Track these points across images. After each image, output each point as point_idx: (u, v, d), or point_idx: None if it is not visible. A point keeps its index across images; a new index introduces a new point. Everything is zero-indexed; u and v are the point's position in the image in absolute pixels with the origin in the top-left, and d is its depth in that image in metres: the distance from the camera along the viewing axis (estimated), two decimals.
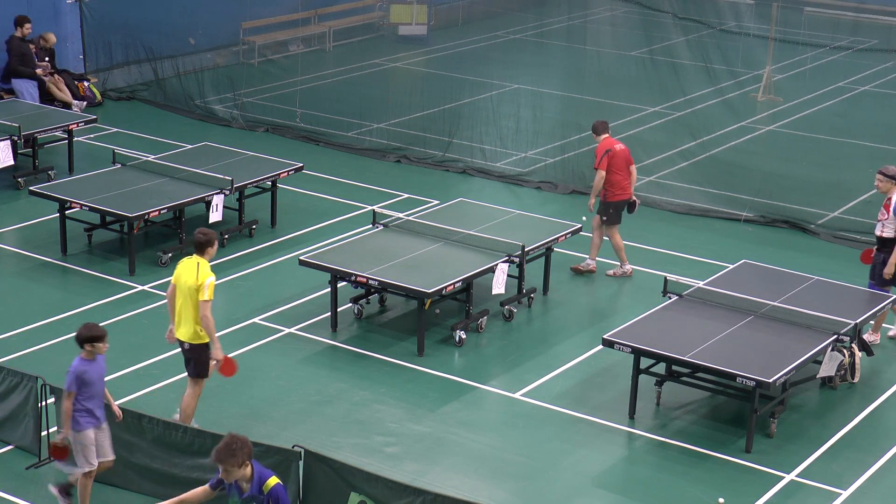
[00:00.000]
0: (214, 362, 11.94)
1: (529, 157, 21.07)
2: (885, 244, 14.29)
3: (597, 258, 16.51)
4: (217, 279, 15.87)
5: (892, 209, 14.19)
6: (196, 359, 11.94)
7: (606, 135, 16.28)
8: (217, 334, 14.41)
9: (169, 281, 15.77)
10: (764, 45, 23.69)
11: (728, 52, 22.61)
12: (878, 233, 14.38)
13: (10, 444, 12.00)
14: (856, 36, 25.45)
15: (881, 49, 24.71)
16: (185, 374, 13.57)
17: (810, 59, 24.72)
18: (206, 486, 9.52)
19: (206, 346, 11.90)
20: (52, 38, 22.27)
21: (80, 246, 16.79)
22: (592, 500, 11.73)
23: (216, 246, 12.10)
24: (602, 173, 16.01)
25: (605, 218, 16.17)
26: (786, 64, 25.08)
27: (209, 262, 11.91)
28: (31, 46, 21.78)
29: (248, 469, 9.11)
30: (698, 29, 22.25)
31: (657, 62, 22.46)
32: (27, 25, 21.34)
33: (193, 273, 11.78)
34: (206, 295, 11.65)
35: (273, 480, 9.21)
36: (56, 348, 14.04)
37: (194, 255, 11.96)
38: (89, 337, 10.73)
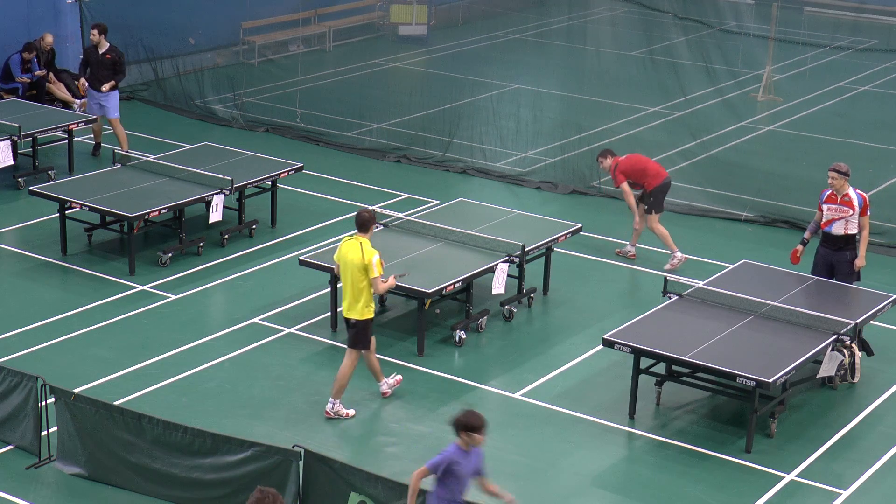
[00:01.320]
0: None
1: (529, 157, 21.06)
2: (849, 241, 14.35)
3: (636, 244, 17.10)
4: (217, 279, 16.01)
5: (856, 204, 14.23)
6: (358, 332, 12.57)
7: (612, 158, 16.95)
8: (219, 334, 14.50)
9: (169, 281, 15.87)
10: (764, 45, 23.69)
11: (728, 52, 22.61)
12: (842, 231, 14.33)
13: (10, 444, 11.99)
14: (856, 36, 25.46)
15: (881, 49, 24.72)
16: (185, 374, 13.60)
17: (810, 59, 24.73)
18: None
19: (370, 322, 12.55)
20: (50, 38, 22.23)
21: (80, 246, 16.79)
22: (592, 500, 11.74)
23: (375, 225, 12.76)
24: (624, 185, 16.63)
25: (646, 207, 16.60)
26: (786, 64, 25.08)
27: (370, 239, 12.50)
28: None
29: None
30: (698, 29, 22.25)
31: (657, 62, 22.46)
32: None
33: (358, 252, 12.38)
34: (376, 272, 12.37)
35: None
36: (56, 348, 14.04)
37: (355, 235, 12.56)
38: (465, 425, 9.52)
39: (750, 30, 23.72)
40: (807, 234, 14.72)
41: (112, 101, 19.83)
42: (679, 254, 16.64)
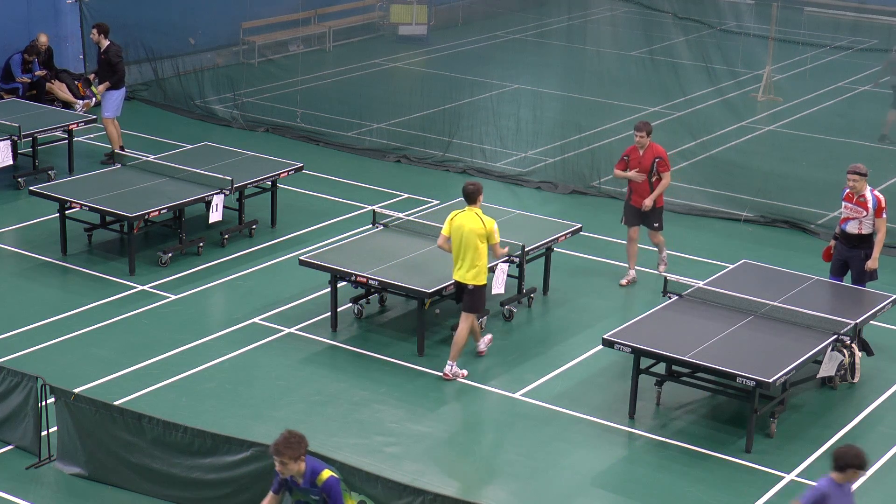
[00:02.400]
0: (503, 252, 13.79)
1: (529, 157, 21.06)
2: (864, 240, 14.38)
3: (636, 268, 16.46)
4: (217, 279, 16.02)
5: (870, 206, 14.27)
6: (475, 297, 13.44)
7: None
8: (218, 334, 14.49)
9: (169, 281, 15.87)
10: (764, 44, 23.67)
11: (728, 52, 22.59)
12: (856, 231, 14.38)
13: (10, 444, 11.99)
14: (856, 36, 25.43)
15: (881, 49, 24.68)
16: (185, 373, 13.60)
17: (810, 59, 24.70)
18: (270, 493, 9.78)
19: (484, 287, 13.43)
20: (44, 38, 22.18)
21: (80, 246, 16.78)
22: (592, 500, 11.73)
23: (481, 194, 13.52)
24: (670, 175, 15.95)
25: (657, 224, 16.06)
26: (786, 64, 25.07)
27: (481, 208, 13.42)
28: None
29: (303, 464, 9.46)
30: (698, 29, 22.23)
31: (657, 62, 22.45)
32: None
33: (477, 221, 13.26)
34: (497, 237, 13.40)
35: (326, 473, 9.53)
36: (56, 348, 14.04)
37: (466, 208, 13.40)
38: (853, 463, 9.26)
39: (750, 30, 23.70)
40: (837, 231, 14.73)
41: (106, 100, 19.82)
42: (633, 272, 16.18)
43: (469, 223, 13.27)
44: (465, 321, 13.53)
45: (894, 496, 11.92)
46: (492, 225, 13.30)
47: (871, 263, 14.35)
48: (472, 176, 20.32)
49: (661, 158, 15.66)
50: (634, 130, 15.75)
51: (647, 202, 15.71)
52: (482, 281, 13.38)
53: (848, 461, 9.24)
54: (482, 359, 14.22)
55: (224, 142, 19.80)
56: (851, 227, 14.40)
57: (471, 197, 13.38)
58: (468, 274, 13.36)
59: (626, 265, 16.38)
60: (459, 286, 13.60)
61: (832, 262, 14.71)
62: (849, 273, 14.64)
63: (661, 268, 16.30)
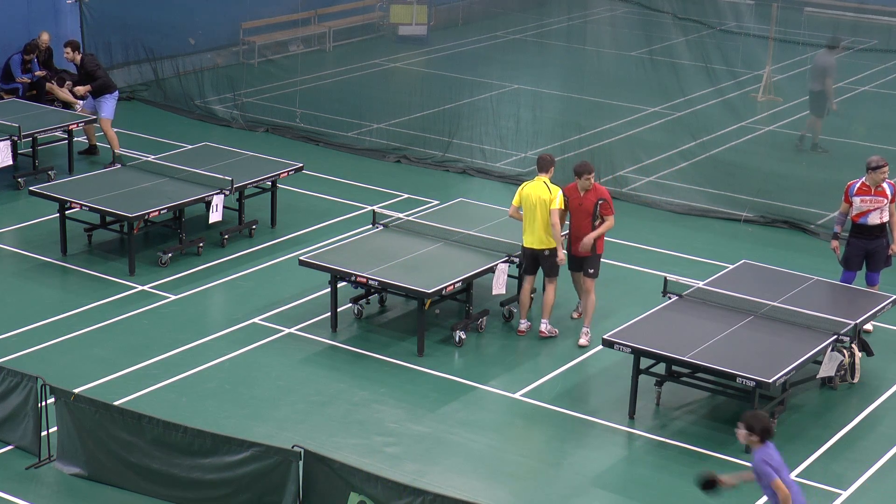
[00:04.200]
0: (562, 257, 14.36)
1: (529, 157, 21.04)
2: (884, 229, 14.51)
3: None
4: (217, 279, 16.01)
5: (889, 193, 14.37)
6: (551, 260, 14.33)
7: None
8: (218, 334, 14.50)
9: (168, 281, 15.86)
10: (764, 45, 23.65)
11: (728, 52, 22.57)
12: (878, 221, 14.42)
13: (9, 445, 11.99)
14: (856, 36, 25.40)
15: (881, 49, 24.67)
16: (185, 374, 13.62)
17: (810, 59, 24.69)
18: None
19: (556, 250, 14.25)
20: (46, 36, 22.20)
21: (79, 246, 16.78)
22: (592, 501, 11.73)
23: (553, 166, 14.37)
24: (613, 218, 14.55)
25: (591, 271, 14.58)
26: (786, 64, 25.05)
27: (550, 178, 14.27)
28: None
29: None
30: (698, 29, 22.21)
31: (657, 62, 22.43)
32: None
33: (545, 190, 14.16)
34: (558, 204, 14.10)
35: None
36: (56, 348, 14.04)
37: (536, 177, 14.34)
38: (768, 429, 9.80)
39: (750, 30, 23.67)
40: (838, 228, 14.79)
41: (104, 105, 19.90)
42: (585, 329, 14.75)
43: (537, 191, 14.21)
44: (551, 284, 14.53)
45: (894, 496, 11.92)
46: (556, 192, 14.19)
47: None
48: (472, 176, 20.33)
49: (604, 200, 14.30)
50: (584, 174, 14.16)
51: (586, 240, 14.28)
52: (551, 244, 14.25)
53: (765, 425, 9.64)
54: (482, 359, 14.22)
55: (224, 142, 19.80)
56: (873, 219, 14.44)
57: (542, 165, 14.37)
58: (538, 239, 14.26)
59: (626, 264, 16.38)
60: (531, 253, 14.38)
61: (852, 257, 14.68)
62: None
63: (583, 338, 14.53)
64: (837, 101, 22.51)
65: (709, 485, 10.11)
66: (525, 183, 14.57)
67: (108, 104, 19.86)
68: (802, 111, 23.31)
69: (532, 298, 14.91)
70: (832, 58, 21.56)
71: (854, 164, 20.64)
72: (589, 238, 14.31)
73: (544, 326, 14.66)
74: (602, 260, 16.62)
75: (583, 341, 14.48)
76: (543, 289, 14.76)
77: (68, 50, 19.91)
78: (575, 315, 15.12)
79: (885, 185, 14.39)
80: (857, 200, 14.44)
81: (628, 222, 18.40)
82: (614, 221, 14.53)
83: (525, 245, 14.42)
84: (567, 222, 14.58)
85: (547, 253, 14.34)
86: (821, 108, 21.54)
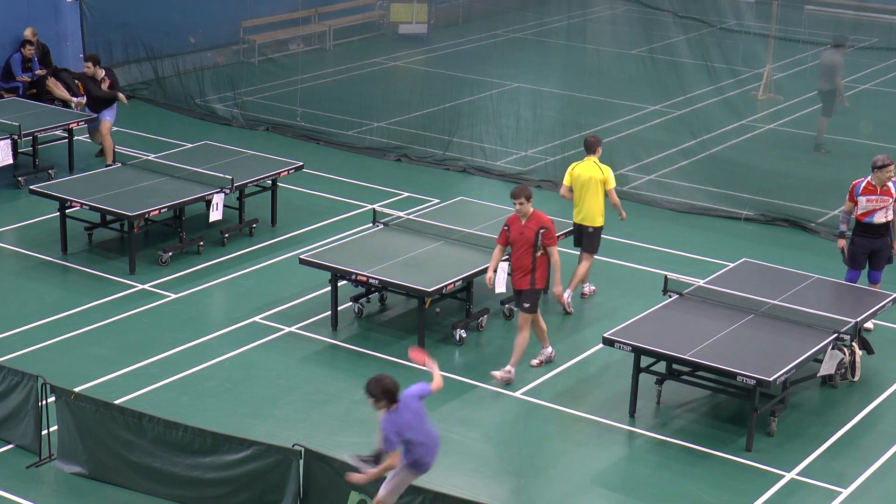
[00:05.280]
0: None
1: (529, 155, 21.06)
2: (887, 228, 14.55)
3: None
4: (217, 278, 16.01)
5: (894, 191, 14.40)
6: (594, 238, 15.16)
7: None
8: (219, 332, 14.50)
9: (169, 280, 15.87)
10: (764, 43, 23.66)
11: (728, 50, 22.58)
12: (883, 220, 14.44)
13: (10, 444, 11.99)
14: (856, 34, 25.41)
15: (881, 48, 24.67)
16: (185, 372, 13.63)
17: (811, 57, 24.69)
18: None
19: (602, 229, 15.16)
20: (28, 31, 22.05)
21: (80, 245, 16.79)
22: (593, 499, 11.73)
23: (601, 147, 15.19)
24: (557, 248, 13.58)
25: (527, 305, 13.47)
26: (786, 62, 25.06)
27: (599, 158, 15.10)
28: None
29: None
30: (698, 27, 22.21)
31: (657, 61, 22.44)
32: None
33: (596, 170, 15.00)
34: (612, 183, 15.06)
35: None
36: (56, 347, 14.04)
37: (585, 158, 15.12)
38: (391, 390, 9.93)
39: (750, 28, 23.68)
40: (843, 227, 14.74)
41: (111, 110, 19.93)
42: (550, 349, 14.17)
43: (588, 171, 15.01)
44: (587, 260, 15.33)
45: (894, 495, 11.92)
46: (608, 172, 15.05)
47: None
48: (473, 175, 20.33)
49: (545, 229, 13.24)
50: (515, 199, 13.28)
51: (557, 290, 13.66)
52: (600, 223, 15.11)
53: (385, 386, 9.79)
54: (482, 357, 14.22)
55: (224, 141, 19.79)
56: (879, 217, 14.46)
57: (590, 147, 15.13)
58: (586, 216, 15.11)
59: (626, 263, 16.38)
60: (580, 229, 15.22)
61: (857, 256, 14.68)
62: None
63: (499, 372, 13.59)
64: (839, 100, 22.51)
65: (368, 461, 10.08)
66: (574, 164, 15.29)
67: (113, 110, 19.88)
68: (802, 109, 23.32)
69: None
70: (840, 56, 21.54)
71: (854, 162, 20.66)
72: (559, 289, 13.64)
73: (567, 296, 15.19)
74: (602, 259, 16.67)
75: (498, 374, 13.55)
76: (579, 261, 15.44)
77: (89, 65, 19.83)
78: (534, 362, 13.95)
79: (890, 183, 14.40)
80: (862, 200, 14.44)
81: (628, 221, 18.37)
82: (558, 255, 13.41)
83: (575, 221, 15.29)
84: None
85: (591, 230, 15.11)
86: (829, 108, 21.54)
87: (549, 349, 14.07)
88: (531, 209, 13.34)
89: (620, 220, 15.60)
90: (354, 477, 9.99)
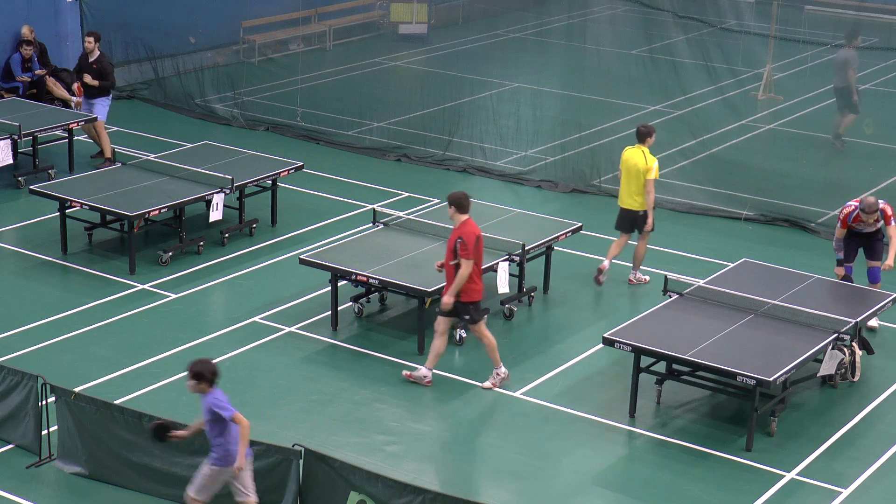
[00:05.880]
0: (650, 223, 15.79)
1: (530, 155, 21.06)
2: (878, 231, 14.70)
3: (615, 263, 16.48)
4: (217, 278, 16.01)
5: (881, 220, 14.48)
6: (643, 221, 15.76)
7: (468, 216, 13.14)
8: (219, 332, 14.50)
9: (169, 280, 15.87)
10: (764, 43, 23.66)
11: (728, 50, 22.58)
12: (872, 230, 14.64)
13: (10, 443, 11.99)
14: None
15: (882, 48, 24.67)
16: (185, 373, 13.69)
17: (811, 57, 24.69)
18: None
19: (646, 214, 15.74)
20: (25, 29, 22.07)
21: (80, 245, 16.79)
22: (593, 499, 11.73)
23: (654, 136, 15.74)
24: (471, 263, 12.94)
25: (467, 317, 13.18)
26: (786, 62, 25.06)
27: (649, 148, 15.64)
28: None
29: None
30: (698, 27, 22.22)
31: (657, 61, 22.44)
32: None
33: (642, 158, 15.55)
34: (654, 175, 15.56)
35: None
36: (56, 347, 14.04)
37: (636, 145, 15.70)
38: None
39: (750, 28, 23.68)
40: (840, 255, 14.81)
41: (101, 107, 19.92)
42: (504, 370, 13.64)
43: (634, 158, 15.62)
44: (643, 239, 16.02)
45: (895, 495, 11.92)
46: (653, 162, 15.53)
47: (890, 263, 14.41)
48: (473, 175, 20.34)
49: (461, 240, 12.85)
50: (448, 205, 13.19)
51: (446, 300, 13.02)
52: (643, 207, 15.66)
53: (212, 368, 10.42)
54: (482, 358, 14.20)
55: (224, 141, 19.79)
56: (868, 228, 14.60)
57: (640, 136, 15.70)
58: (632, 201, 15.73)
59: (625, 262, 16.37)
60: (626, 213, 15.87)
61: (849, 251, 14.80)
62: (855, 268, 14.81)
63: (488, 382, 13.45)
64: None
65: (159, 433, 10.51)
66: (627, 147, 15.93)
67: (103, 107, 19.93)
68: (802, 109, 23.33)
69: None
70: (851, 52, 21.60)
71: (855, 162, 20.71)
72: (448, 297, 12.97)
73: (632, 276, 16.07)
74: (602, 258, 16.66)
75: (406, 373, 13.52)
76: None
77: (91, 40, 19.92)
78: (486, 385, 13.44)
79: (878, 212, 14.47)
80: (853, 224, 14.58)
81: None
82: (470, 268, 12.82)
83: (619, 204, 15.96)
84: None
85: (641, 213, 15.72)
86: (845, 104, 21.57)
87: (502, 370, 13.46)
88: (460, 217, 13.02)
89: (646, 226, 15.86)
90: (178, 433, 10.58)
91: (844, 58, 21.52)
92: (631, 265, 16.24)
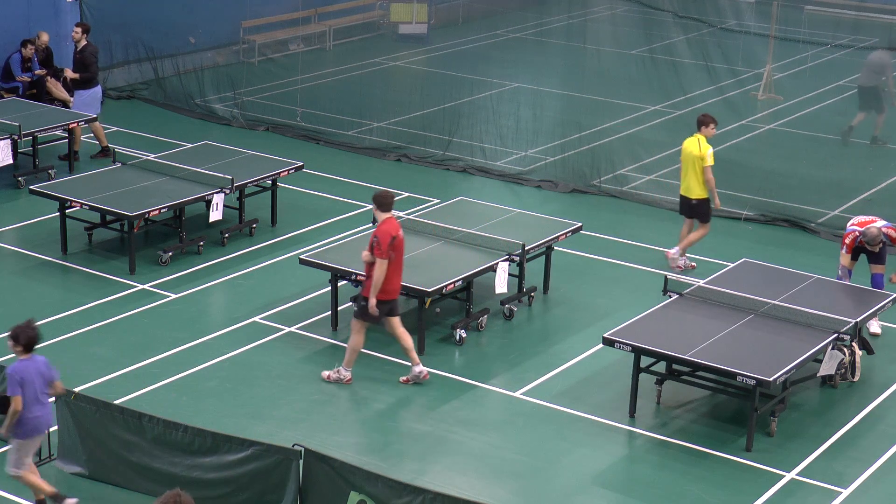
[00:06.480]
0: (715, 205, 16.44)
1: (529, 155, 21.07)
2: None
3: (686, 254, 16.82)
4: (217, 278, 16.01)
5: (886, 244, 14.54)
6: (700, 209, 16.29)
7: (389, 214, 13.24)
8: (219, 332, 14.50)
9: (169, 280, 15.88)
10: (764, 43, 23.67)
11: (728, 50, 22.59)
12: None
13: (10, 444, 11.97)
14: (856, 34, 25.41)
15: (881, 48, 24.69)
16: (185, 372, 13.64)
17: (811, 57, 24.69)
18: None
19: (708, 200, 16.25)
20: (45, 37, 22.22)
21: (80, 245, 16.79)
22: (593, 499, 11.73)
23: (712, 126, 16.21)
24: (385, 263, 12.92)
25: (356, 309, 13.36)
26: (786, 62, 25.06)
27: (707, 138, 16.12)
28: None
29: None
30: (698, 27, 22.23)
31: (657, 61, 22.43)
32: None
33: (696, 147, 16.07)
34: (708, 161, 16.00)
35: None
36: (56, 348, 14.02)
37: (695, 134, 16.19)
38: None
39: (750, 28, 23.70)
40: (847, 282, 14.76)
41: (76, 100, 20.07)
42: (420, 368, 13.56)
43: (690, 146, 16.17)
44: (701, 229, 16.45)
45: (894, 495, 11.92)
46: (706, 150, 16.01)
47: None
48: (473, 175, 20.34)
49: (376, 239, 12.91)
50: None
51: (370, 303, 12.93)
52: (702, 195, 16.15)
53: (31, 335, 10.62)
54: (482, 358, 14.23)
55: (224, 141, 19.80)
56: (873, 249, 14.64)
57: (698, 124, 16.21)
58: (687, 189, 16.24)
59: (626, 262, 16.38)
60: (684, 200, 16.41)
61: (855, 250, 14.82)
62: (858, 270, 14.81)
63: (332, 371, 13.46)
64: (839, 100, 22.54)
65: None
66: (689, 137, 16.33)
67: (80, 99, 20.07)
68: (803, 109, 23.34)
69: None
70: (887, 55, 21.67)
71: (853, 162, 20.70)
72: (371, 302, 12.95)
73: (681, 262, 16.45)
74: (602, 258, 16.67)
75: (326, 373, 13.44)
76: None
77: (78, 30, 20.00)
78: (402, 379, 13.43)
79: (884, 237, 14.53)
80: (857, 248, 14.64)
81: (629, 221, 18.43)
82: (384, 269, 12.83)
83: (680, 192, 16.54)
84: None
85: (694, 202, 16.23)
86: (869, 104, 21.57)
87: (419, 368, 13.36)
88: (381, 216, 13.09)
89: (714, 206, 16.34)
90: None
91: (882, 61, 21.58)
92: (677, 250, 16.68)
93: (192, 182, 16.92)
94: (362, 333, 13.32)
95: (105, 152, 19.97)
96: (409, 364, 13.58)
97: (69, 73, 19.98)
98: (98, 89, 20.22)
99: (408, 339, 13.36)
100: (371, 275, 13.02)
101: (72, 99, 22.05)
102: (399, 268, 13.15)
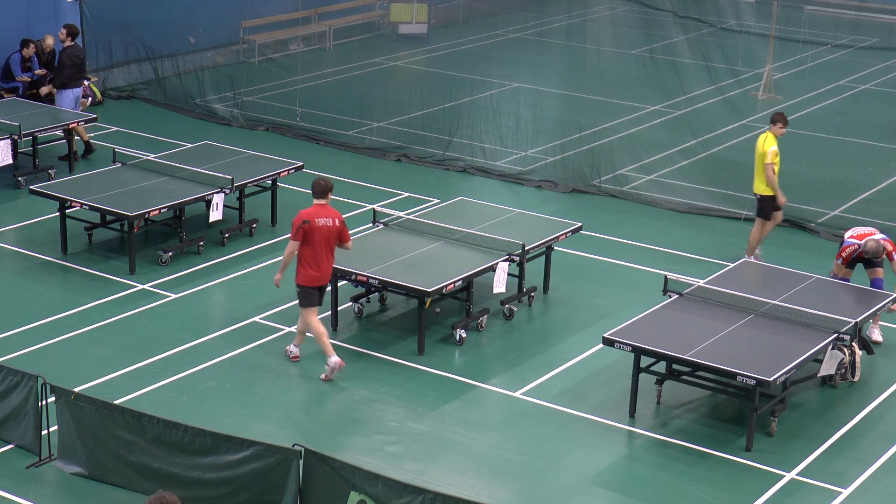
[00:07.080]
0: (782, 204, 16.73)
1: (529, 155, 21.07)
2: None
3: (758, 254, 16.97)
4: (217, 278, 16.01)
5: (884, 256, 14.49)
6: (764, 204, 16.64)
7: (324, 200, 13.63)
8: (219, 332, 14.50)
9: (169, 280, 15.87)
10: (764, 43, 23.68)
11: (728, 50, 22.62)
12: None
13: (10, 443, 11.99)
14: (856, 34, 25.44)
15: (882, 47, 24.71)
16: (185, 372, 13.63)
17: (811, 57, 24.72)
18: None
19: (773, 198, 16.57)
20: (51, 40, 22.24)
21: (80, 245, 16.79)
22: (593, 499, 11.73)
23: (780, 125, 16.55)
24: (295, 244, 13.42)
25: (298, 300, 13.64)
26: (786, 62, 25.08)
27: (774, 136, 16.48)
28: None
29: None
30: (699, 27, 22.25)
31: (657, 61, 22.45)
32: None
33: (762, 143, 16.48)
34: (769, 158, 16.39)
35: None
36: (56, 347, 14.04)
37: (766, 129, 16.60)
38: None
39: (750, 28, 23.72)
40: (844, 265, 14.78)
41: (56, 99, 20.35)
42: (334, 359, 13.52)
43: (759, 142, 16.60)
44: (759, 223, 16.77)
45: (894, 495, 11.92)
46: (769, 147, 16.37)
47: None
48: (473, 175, 20.34)
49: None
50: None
51: (276, 276, 13.74)
52: (766, 192, 16.50)
53: None
54: (482, 358, 14.23)
55: (224, 141, 19.80)
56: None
57: (771, 121, 16.61)
58: (756, 185, 16.67)
59: (626, 262, 16.37)
60: (755, 196, 16.78)
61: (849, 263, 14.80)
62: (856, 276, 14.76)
63: (293, 348, 13.90)
64: (839, 100, 22.52)
65: None
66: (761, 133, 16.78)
67: (58, 100, 20.18)
68: (803, 109, 23.35)
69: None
70: None
71: (853, 162, 20.70)
72: (276, 276, 13.70)
73: (753, 258, 16.51)
74: (602, 258, 16.66)
75: (327, 373, 13.50)
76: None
77: (63, 31, 20.15)
78: (322, 377, 13.47)
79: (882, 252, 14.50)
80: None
81: (629, 220, 18.43)
82: (291, 250, 13.44)
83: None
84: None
85: (758, 197, 16.67)
86: None
87: (333, 358, 13.39)
88: (314, 201, 13.62)
89: (779, 203, 16.55)
90: None
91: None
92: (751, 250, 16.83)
93: (192, 182, 16.92)
94: (312, 317, 13.50)
95: (89, 148, 20.09)
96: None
97: (44, 90, 20.17)
98: (74, 91, 20.37)
99: (319, 328, 13.49)
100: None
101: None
102: (321, 255, 13.41)
